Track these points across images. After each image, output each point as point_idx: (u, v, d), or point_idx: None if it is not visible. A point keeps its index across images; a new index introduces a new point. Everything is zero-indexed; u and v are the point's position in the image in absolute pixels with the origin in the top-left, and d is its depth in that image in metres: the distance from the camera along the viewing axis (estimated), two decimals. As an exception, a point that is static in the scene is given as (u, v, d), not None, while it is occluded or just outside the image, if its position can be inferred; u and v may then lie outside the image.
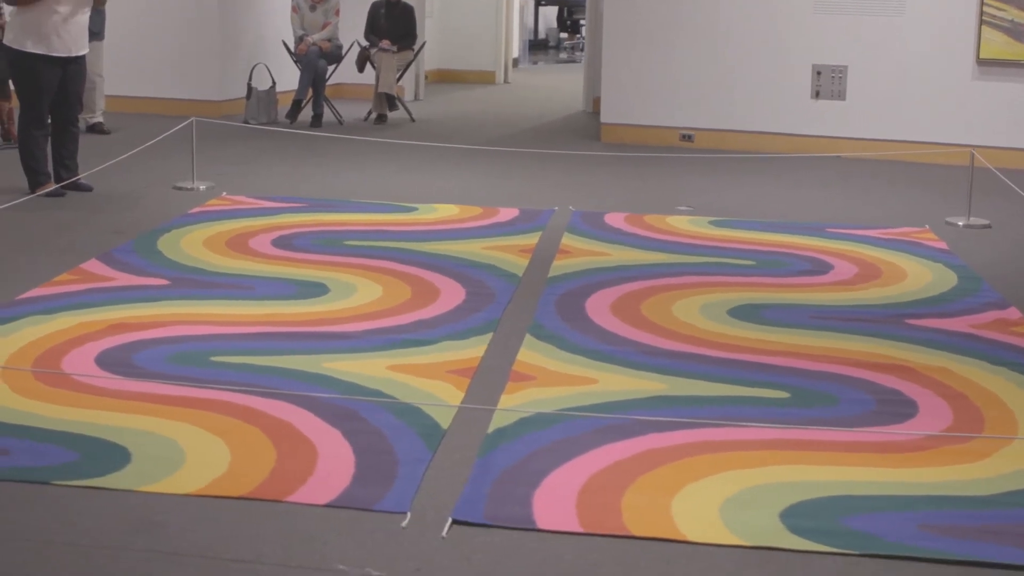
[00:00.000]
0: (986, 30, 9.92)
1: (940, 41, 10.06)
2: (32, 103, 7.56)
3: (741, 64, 10.54)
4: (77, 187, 7.85)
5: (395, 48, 11.66)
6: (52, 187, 7.61)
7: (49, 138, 7.72)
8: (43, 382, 4.38)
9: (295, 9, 11.45)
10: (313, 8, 11.43)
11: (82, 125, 9.98)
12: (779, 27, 10.42)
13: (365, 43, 11.88)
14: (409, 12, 11.93)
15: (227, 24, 11.66)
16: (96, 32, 10.00)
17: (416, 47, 12.08)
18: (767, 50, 10.48)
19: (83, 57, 7.78)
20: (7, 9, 7.60)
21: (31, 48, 7.46)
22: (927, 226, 7.53)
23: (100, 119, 10.26)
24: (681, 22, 10.62)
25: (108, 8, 10.36)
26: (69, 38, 7.62)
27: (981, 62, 9.99)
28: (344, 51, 11.66)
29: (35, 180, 7.57)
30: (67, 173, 7.77)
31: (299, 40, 11.36)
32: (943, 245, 7.04)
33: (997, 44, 9.93)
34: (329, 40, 11.38)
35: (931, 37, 10.07)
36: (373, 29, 11.83)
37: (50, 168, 7.73)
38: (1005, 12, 9.88)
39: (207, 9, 11.56)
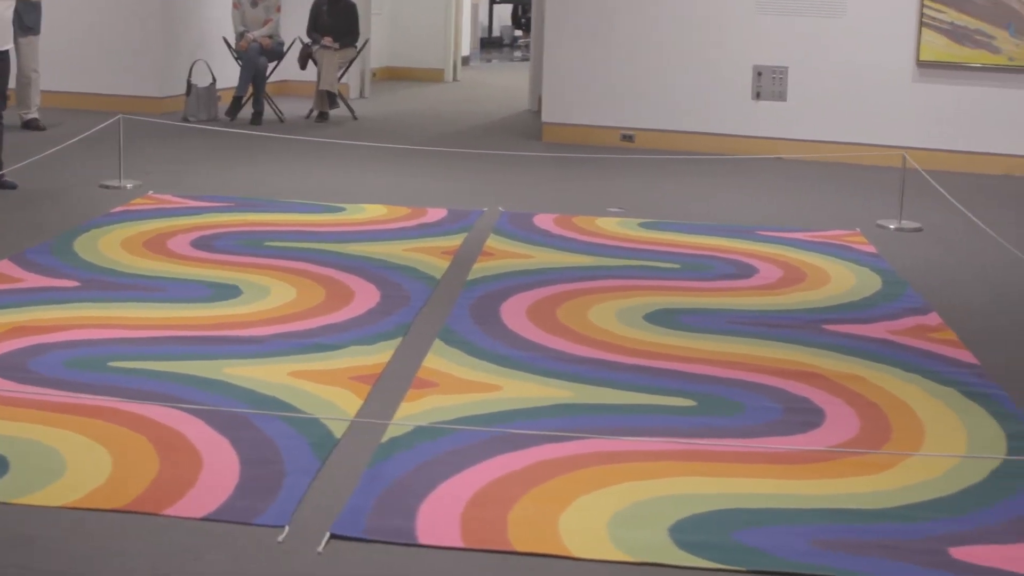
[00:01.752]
0: (926, 32, 9.92)
1: (881, 43, 10.05)
2: None
3: (682, 64, 10.49)
4: (2, 184, 7.72)
5: (337, 45, 11.54)
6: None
7: None
8: (-68, 388, 4.27)
9: (236, 5, 11.32)
10: (254, 4, 11.30)
11: (17, 121, 9.87)
12: (721, 27, 10.38)
13: (307, 40, 11.76)
14: (352, 9, 11.81)
15: (168, 20, 11.50)
16: (32, 27, 9.85)
17: (359, 45, 11.96)
18: (708, 50, 10.43)
19: (7, 52, 7.64)
20: None
21: None
22: (858, 229, 7.51)
23: (36, 115, 10.10)
24: (623, 21, 10.56)
25: (47, 2, 10.22)
26: (4, 31, 7.50)
27: (921, 64, 9.99)
28: (286, 48, 11.53)
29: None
30: None
31: (240, 36, 11.23)
32: (872, 249, 7.01)
33: (937, 47, 9.93)
34: (270, 37, 11.25)
35: (872, 39, 10.05)
36: (315, 26, 11.71)
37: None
38: (945, 14, 9.88)
39: (148, 4, 11.40)
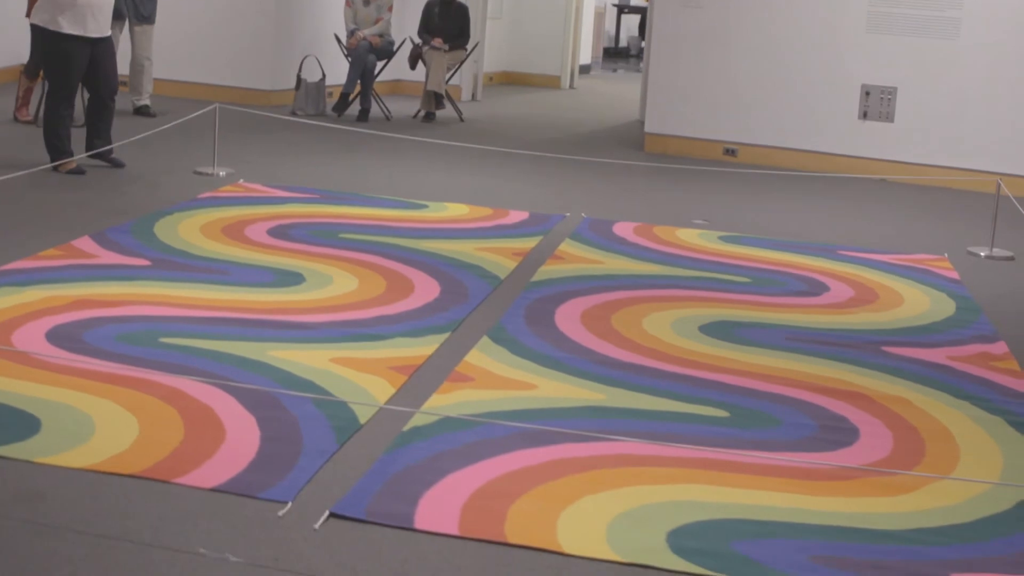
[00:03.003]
0: (1041, 59, 9.67)
1: (995, 66, 9.82)
2: (62, 83, 7.68)
3: (789, 80, 10.39)
4: (111, 163, 8.02)
5: (447, 47, 11.68)
6: (73, 166, 7.73)
7: (70, 116, 7.85)
8: (-12, 351, 4.45)
9: (348, 3, 11.53)
10: (366, 3, 11.49)
11: (129, 107, 10.21)
12: (830, 45, 10.26)
13: (418, 40, 11.92)
14: (464, 12, 11.94)
15: (281, 15, 11.76)
16: (147, 16, 10.18)
17: (469, 47, 12.08)
18: (816, 68, 10.32)
19: (110, 37, 7.90)
20: None
21: (67, 29, 7.56)
22: (945, 254, 7.36)
23: (147, 102, 10.42)
24: (731, 35, 10.50)
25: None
26: (103, 18, 7.74)
27: (1033, 91, 9.75)
28: (396, 47, 11.70)
29: (56, 158, 7.70)
30: (100, 142, 7.93)
31: (351, 34, 11.44)
32: (954, 275, 6.87)
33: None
34: (380, 36, 11.43)
35: (984, 63, 9.83)
36: (427, 27, 11.87)
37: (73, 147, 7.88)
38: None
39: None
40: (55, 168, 7.68)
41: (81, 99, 8.76)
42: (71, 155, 7.77)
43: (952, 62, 9.94)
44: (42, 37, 7.69)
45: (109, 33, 7.86)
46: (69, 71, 7.66)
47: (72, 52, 7.61)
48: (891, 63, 10.11)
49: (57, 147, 7.70)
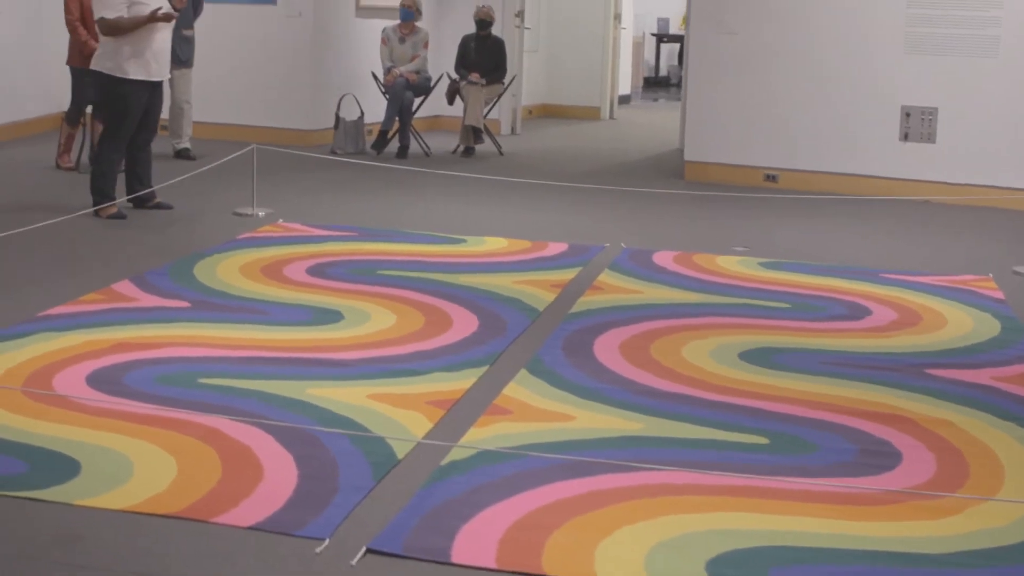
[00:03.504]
0: (1082, 75, 9.58)
1: (1034, 85, 9.75)
2: (120, 127, 7.85)
3: (829, 104, 10.34)
4: (158, 206, 8.13)
5: (483, 81, 11.74)
6: (115, 210, 7.82)
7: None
8: (30, 398, 4.49)
9: (384, 41, 11.61)
10: (402, 40, 11.57)
11: (170, 150, 10.32)
12: (868, 66, 10.20)
13: (455, 76, 11.98)
14: (500, 46, 12.00)
15: (318, 54, 11.87)
16: (185, 60, 10.31)
17: (506, 81, 12.13)
18: (855, 90, 10.26)
19: (161, 82, 8.06)
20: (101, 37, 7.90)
21: (132, 74, 7.74)
22: (990, 275, 7.28)
23: (187, 145, 10.53)
24: (768, 60, 10.48)
25: (203, 36, 10.68)
26: (164, 61, 7.96)
27: (1075, 108, 9.65)
28: (433, 83, 11.77)
29: (100, 201, 7.80)
30: (141, 186, 8.06)
31: (387, 71, 11.51)
32: (999, 295, 6.79)
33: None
34: (417, 72, 11.50)
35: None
36: (463, 62, 11.94)
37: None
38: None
39: (299, 39, 11.79)
40: (96, 212, 7.77)
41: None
42: (114, 199, 7.86)
43: (992, 80, 9.86)
44: (106, 83, 7.82)
45: (169, 76, 8.02)
46: (130, 115, 7.84)
47: (134, 96, 7.80)
48: (931, 83, 10.04)
49: (103, 190, 7.81)
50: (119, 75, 7.72)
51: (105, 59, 7.76)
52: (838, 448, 4.35)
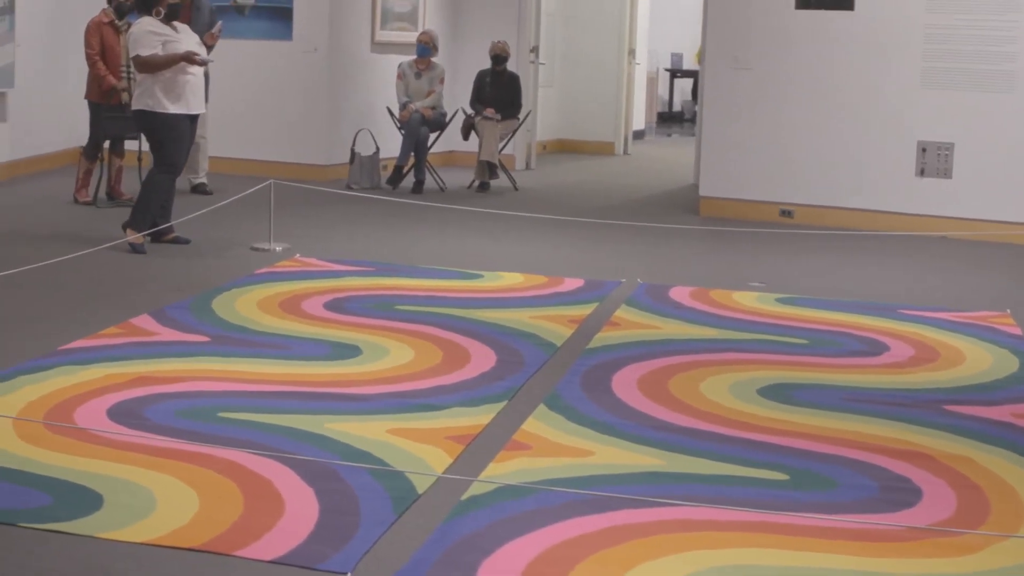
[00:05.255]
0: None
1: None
2: (172, 157, 8.04)
3: (844, 139, 10.37)
4: (175, 240, 8.20)
5: (499, 117, 11.79)
6: (141, 241, 7.90)
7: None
8: (52, 431, 4.51)
9: (400, 76, 11.69)
10: (419, 75, 11.64)
11: (187, 186, 10.37)
12: (884, 101, 10.23)
13: (470, 111, 12.04)
14: (515, 81, 12.07)
15: (333, 90, 11.95)
16: (202, 96, 10.36)
17: (521, 116, 12.19)
18: (871, 125, 10.29)
19: (196, 116, 8.24)
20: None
21: (172, 109, 7.92)
22: (1008, 311, 7.28)
23: (204, 179, 10.59)
24: (782, 96, 10.51)
25: (221, 72, 10.75)
26: (200, 95, 8.17)
27: (1091, 144, 9.66)
28: (448, 119, 11.83)
29: (137, 227, 7.92)
30: (162, 220, 8.16)
31: (403, 107, 11.58)
32: (1017, 331, 6.79)
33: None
34: (432, 108, 11.56)
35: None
36: (479, 97, 12.00)
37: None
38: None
39: (314, 75, 11.87)
40: (124, 228, 7.90)
41: (139, 175, 8.93)
42: (147, 229, 7.93)
43: (1009, 116, 9.87)
44: (150, 119, 7.97)
45: (204, 110, 8.14)
46: (180, 144, 8.05)
47: (179, 127, 8.01)
48: (947, 119, 10.06)
49: (145, 217, 7.95)
50: (160, 110, 7.90)
51: (145, 97, 7.96)
52: (858, 484, 4.34)
